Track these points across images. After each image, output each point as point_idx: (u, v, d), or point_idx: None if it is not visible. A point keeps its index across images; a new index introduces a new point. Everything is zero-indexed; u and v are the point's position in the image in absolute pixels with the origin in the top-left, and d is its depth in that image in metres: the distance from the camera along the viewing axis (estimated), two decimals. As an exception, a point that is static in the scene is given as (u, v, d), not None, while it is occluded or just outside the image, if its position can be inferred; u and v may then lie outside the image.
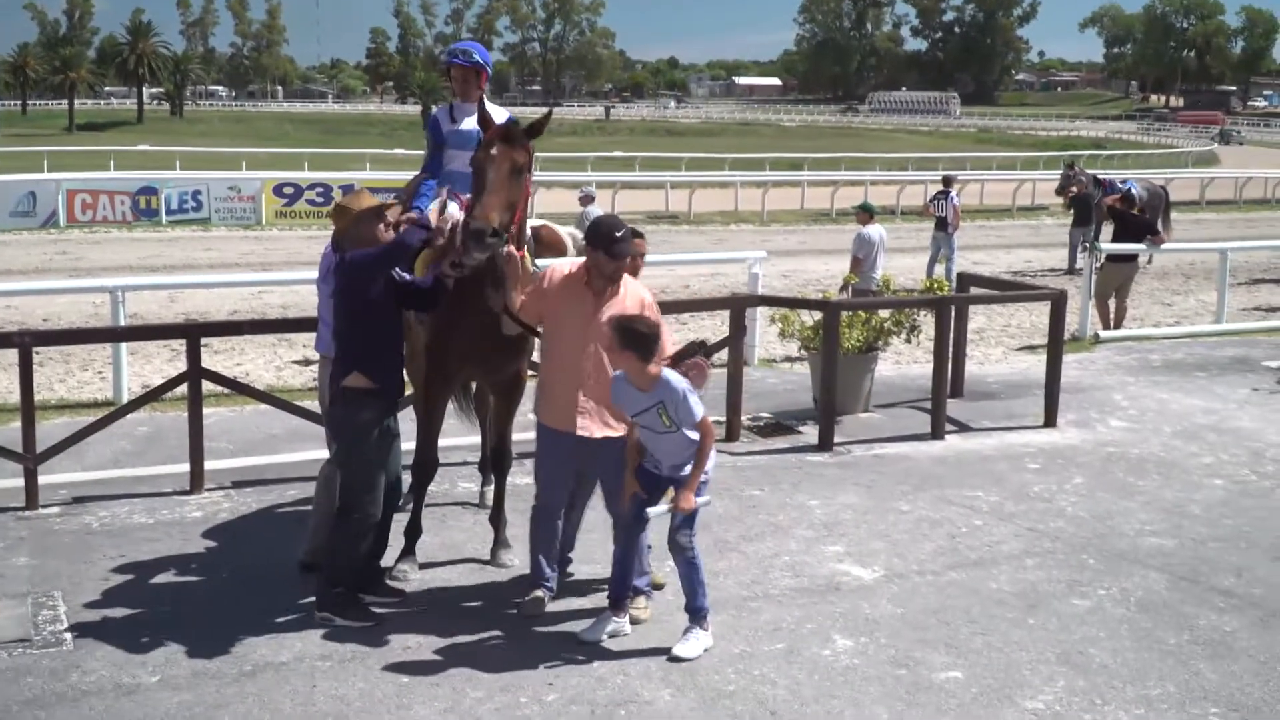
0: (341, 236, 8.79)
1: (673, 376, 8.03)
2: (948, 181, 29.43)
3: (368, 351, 8.42)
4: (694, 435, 8.07)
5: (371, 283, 8.40)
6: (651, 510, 8.14)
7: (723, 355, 13.55)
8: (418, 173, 10.46)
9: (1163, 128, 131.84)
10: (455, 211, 9.44)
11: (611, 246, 8.37)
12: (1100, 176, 33.39)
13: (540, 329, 8.77)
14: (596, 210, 22.47)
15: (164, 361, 17.39)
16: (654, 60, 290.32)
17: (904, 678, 7.83)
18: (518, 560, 9.53)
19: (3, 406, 14.58)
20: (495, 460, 9.83)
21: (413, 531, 9.56)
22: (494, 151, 8.46)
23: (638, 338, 7.91)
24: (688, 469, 8.12)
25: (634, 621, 8.51)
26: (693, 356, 8.31)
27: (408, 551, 9.49)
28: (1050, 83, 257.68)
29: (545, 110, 9.60)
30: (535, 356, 9.37)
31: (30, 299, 21.62)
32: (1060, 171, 35.51)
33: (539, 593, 8.83)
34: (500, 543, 9.77)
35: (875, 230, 19.98)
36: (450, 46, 10.42)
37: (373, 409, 8.47)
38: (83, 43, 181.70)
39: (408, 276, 8.87)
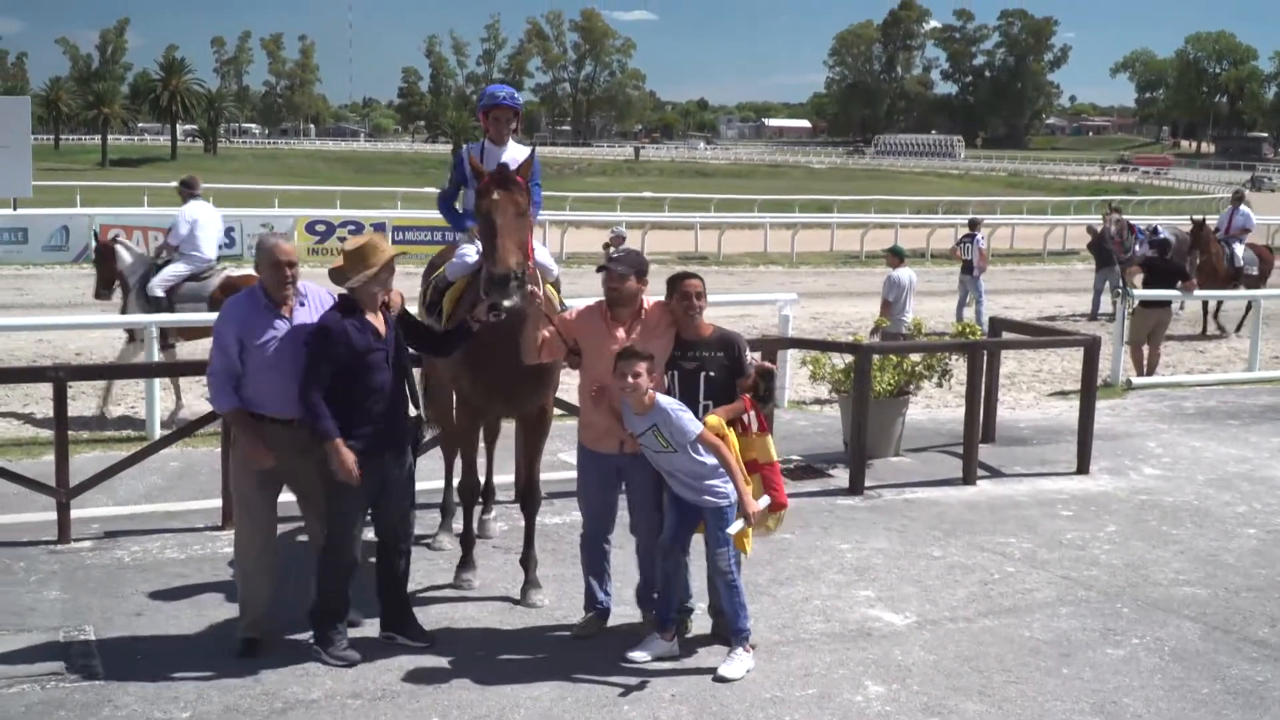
0: (341, 279, 8.52)
1: (663, 399, 8.33)
2: (974, 225, 29.53)
3: (340, 403, 8.32)
4: (703, 457, 8.33)
5: (340, 345, 8.34)
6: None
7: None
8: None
9: (1125, 169, 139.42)
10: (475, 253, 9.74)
11: (604, 267, 8.83)
12: (1133, 223, 33.25)
13: (573, 357, 8.94)
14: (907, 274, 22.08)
15: (195, 397, 17.42)
16: (684, 101, 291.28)
17: (937, 725, 7.80)
18: (548, 600, 9.58)
19: (35, 440, 14.65)
20: (524, 498, 9.95)
21: (468, 542, 10.04)
22: (496, 197, 8.69)
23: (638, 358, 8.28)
24: (708, 495, 8.39)
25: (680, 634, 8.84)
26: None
27: (466, 560, 10.01)
28: (1081, 127, 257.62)
29: (530, 147, 9.96)
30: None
31: (63, 333, 21.71)
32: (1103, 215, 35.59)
33: (592, 614, 9.08)
34: (530, 583, 9.80)
35: (905, 274, 20.05)
36: (490, 89, 10.64)
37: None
38: (115, 78, 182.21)
39: (428, 320, 9.33)
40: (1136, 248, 29.55)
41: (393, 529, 8.78)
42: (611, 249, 25.42)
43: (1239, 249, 28.48)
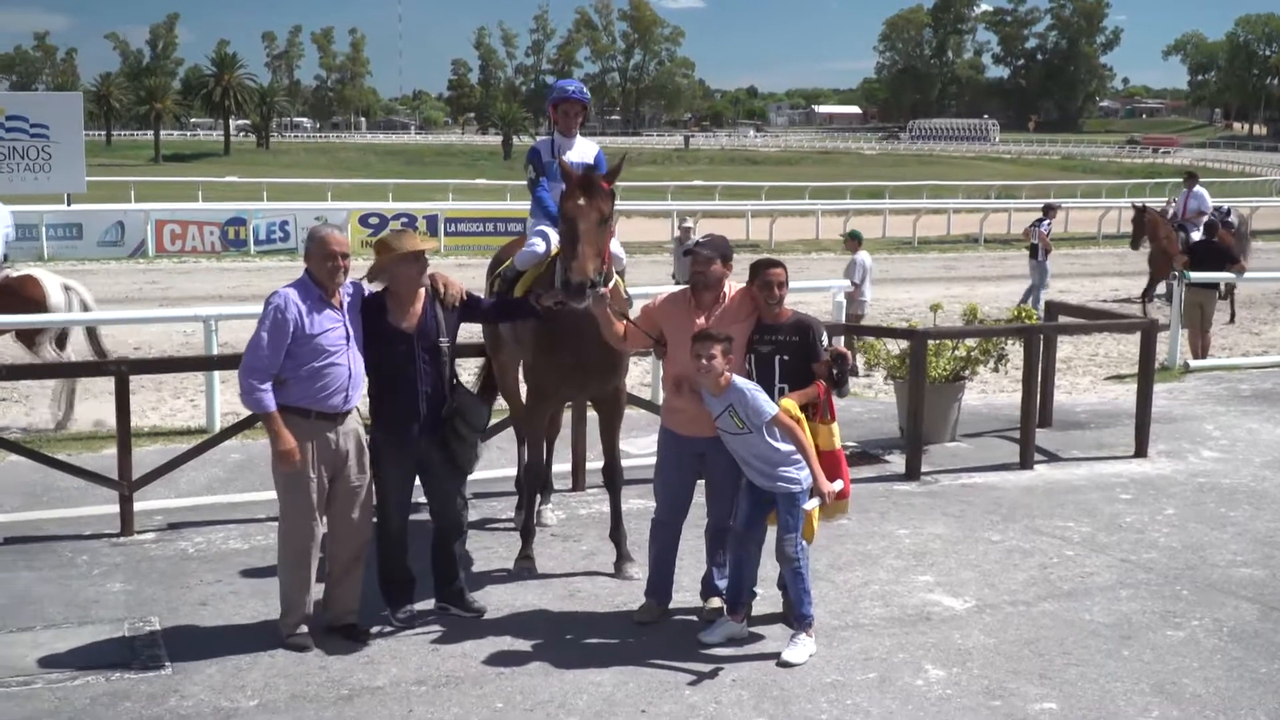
0: (379, 271, 8.82)
1: (740, 380, 8.44)
2: (1047, 210, 29.18)
3: (375, 379, 8.79)
4: (777, 442, 8.44)
5: (365, 323, 8.73)
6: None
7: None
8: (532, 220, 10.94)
9: (1133, 151, 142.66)
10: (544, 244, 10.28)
11: (690, 251, 9.00)
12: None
13: (659, 346, 9.10)
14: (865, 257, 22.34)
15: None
16: (733, 89, 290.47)
17: (999, 709, 7.80)
18: (641, 573, 9.60)
19: (95, 434, 14.79)
20: (607, 476, 10.19)
21: (527, 533, 10.24)
22: (582, 203, 8.85)
23: (714, 341, 8.41)
24: (781, 482, 8.47)
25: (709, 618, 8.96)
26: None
27: (526, 547, 10.19)
28: (1135, 109, 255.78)
29: (621, 155, 10.01)
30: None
31: (119, 327, 21.89)
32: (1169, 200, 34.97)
33: (653, 601, 9.18)
34: (624, 557, 10.08)
35: (865, 256, 20.63)
36: (560, 83, 11.18)
37: (380, 431, 8.79)
38: (167, 73, 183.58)
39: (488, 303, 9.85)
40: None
41: (442, 508, 9.07)
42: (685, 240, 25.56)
43: (1195, 235, 26.91)
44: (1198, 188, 28.37)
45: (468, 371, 12.44)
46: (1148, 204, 29.37)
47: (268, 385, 8.30)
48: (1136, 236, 28.09)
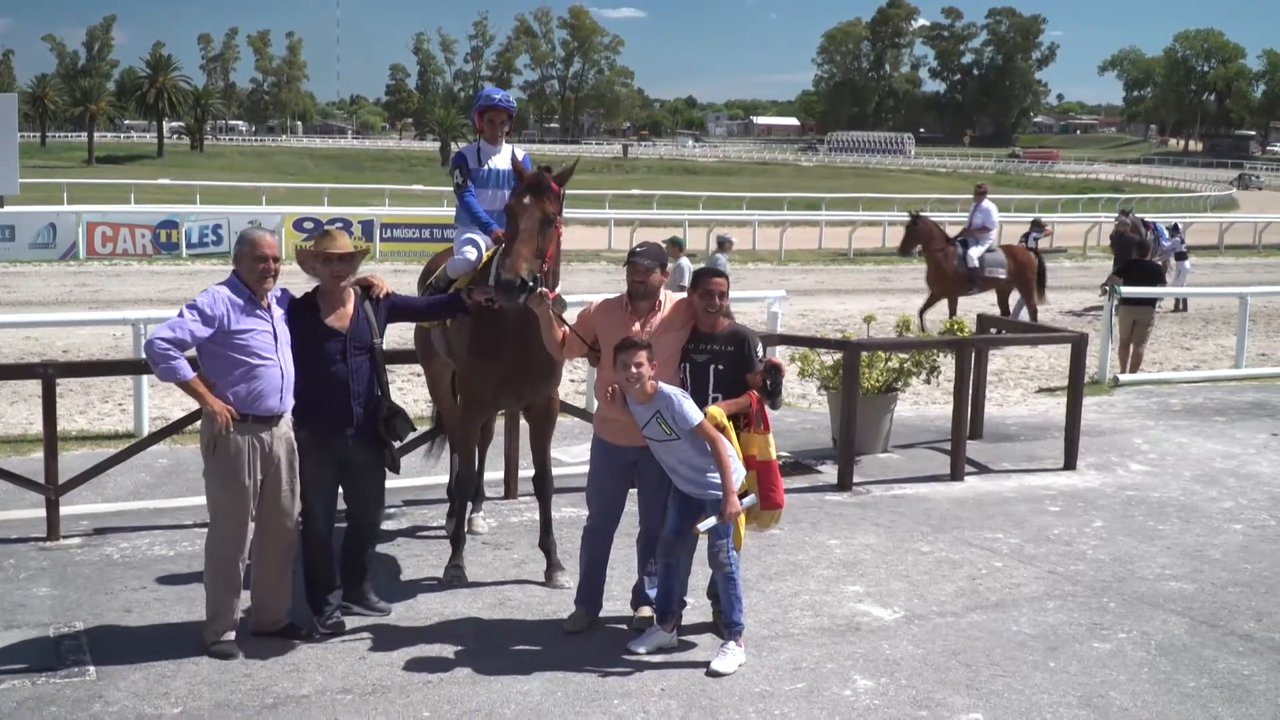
0: (307, 264, 8.93)
1: (665, 387, 8.43)
2: (1036, 224, 29.11)
3: (305, 379, 8.67)
4: (704, 447, 8.40)
5: (296, 324, 8.72)
6: (701, 525, 8.40)
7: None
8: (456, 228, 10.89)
9: (1015, 164, 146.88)
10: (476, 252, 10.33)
11: (630, 260, 8.85)
12: (1148, 220, 32.96)
13: (593, 353, 9.04)
14: (687, 263, 22.49)
15: (184, 395, 17.38)
16: (672, 99, 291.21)
17: (925, 719, 7.82)
18: (571, 582, 9.58)
19: (23, 437, 14.63)
20: (537, 485, 10.12)
21: (458, 541, 10.16)
22: (527, 201, 8.86)
23: (636, 348, 8.40)
24: (711, 489, 8.45)
25: (638, 629, 8.95)
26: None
27: (456, 555, 10.09)
28: (1069, 125, 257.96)
29: (573, 159, 9.96)
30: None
31: (49, 330, 21.71)
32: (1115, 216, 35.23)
33: (583, 609, 9.15)
34: (554, 565, 10.06)
35: (686, 263, 21.38)
36: (487, 90, 11.13)
37: (307, 431, 8.74)
38: (102, 75, 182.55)
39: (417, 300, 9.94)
40: (1164, 243, 29.37)
41: (362, 509, 9.11)
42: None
43: (975, 250, 26.18)
44: (985, 202, 27.28)
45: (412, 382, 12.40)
46: (922, 214, 28.75)
47: (181, 355, 8.25)
48: (908, 244, 26.74)
